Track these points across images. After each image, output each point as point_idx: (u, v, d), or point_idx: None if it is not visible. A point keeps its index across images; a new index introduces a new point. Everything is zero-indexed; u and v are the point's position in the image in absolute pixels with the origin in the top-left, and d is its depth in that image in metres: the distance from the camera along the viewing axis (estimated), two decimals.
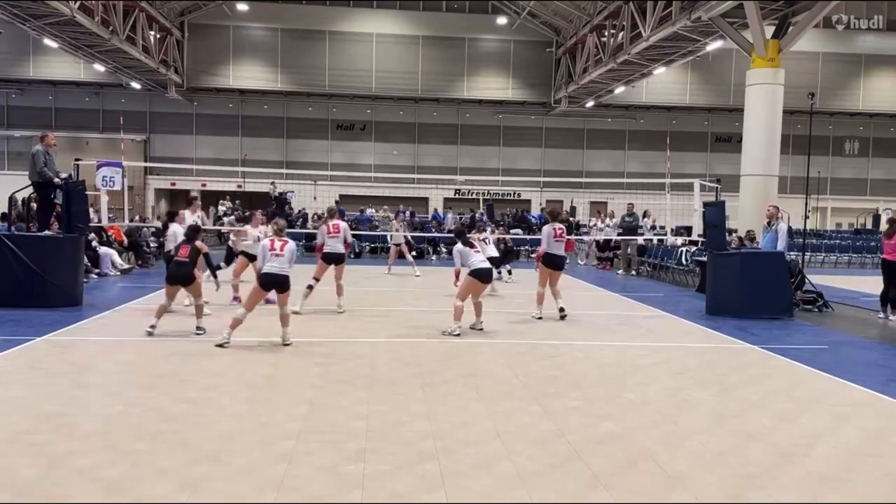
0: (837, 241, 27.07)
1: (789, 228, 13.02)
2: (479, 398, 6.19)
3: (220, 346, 7.90)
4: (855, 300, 14.06)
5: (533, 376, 7.08)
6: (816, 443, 5.24)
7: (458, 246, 9.48)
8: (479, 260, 9.31)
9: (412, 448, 4.87)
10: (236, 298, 11.04)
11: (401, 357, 7.82)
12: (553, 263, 10.62)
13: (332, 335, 9.12)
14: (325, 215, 11.91)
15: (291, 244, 8.34)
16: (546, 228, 10.75)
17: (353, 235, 22.65)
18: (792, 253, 12.39)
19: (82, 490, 4.04)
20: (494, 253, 13.49)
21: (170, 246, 10.34)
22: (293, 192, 28.74)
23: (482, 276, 9.22)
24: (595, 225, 22.87)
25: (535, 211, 34.41)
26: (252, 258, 10.95)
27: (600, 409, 5.94)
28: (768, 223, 12.89)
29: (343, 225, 11.10)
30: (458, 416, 5.63)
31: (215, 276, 9.57)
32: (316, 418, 5.49)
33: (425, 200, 32.83)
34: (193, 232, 9.16)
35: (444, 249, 22.74)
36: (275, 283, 8.13)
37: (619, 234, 19.67)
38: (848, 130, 37.74)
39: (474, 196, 33.86)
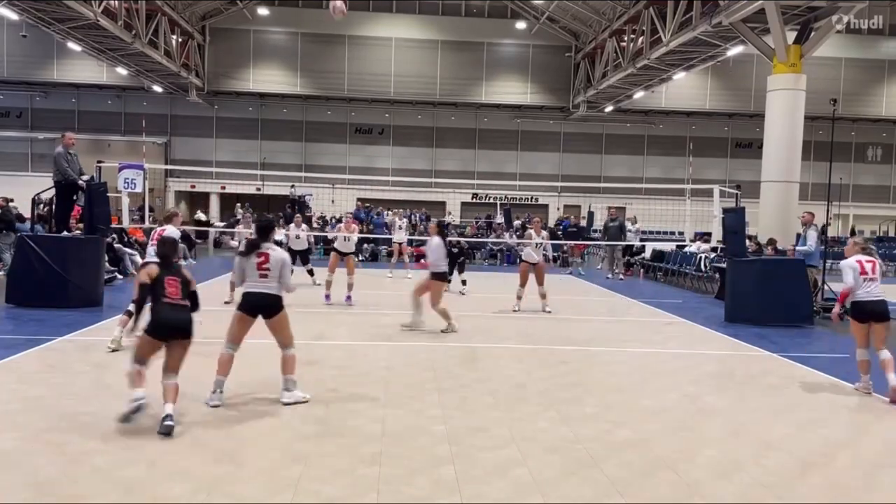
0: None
1: (820, 235, 12.85)
2: (495, 403, 6.18)
3: None
4: None
5: (549, 382, 7.05)
6: (836, 453, 5.17)
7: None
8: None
9: (427, 452, 4.87)
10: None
11: (416, 361, 7.82)
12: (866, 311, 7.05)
13: (348, 338, 9.15)
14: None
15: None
16: (849, 262, 7.09)
17: (369, 240, 22.82)
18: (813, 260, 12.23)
19: (101, 489, 4.08)
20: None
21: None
22: (311, 194, 28.89)
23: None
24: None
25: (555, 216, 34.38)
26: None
27: (617, 416, 5.90)
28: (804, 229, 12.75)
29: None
30: (474, 421, 5.62)
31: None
32: (332, 421, 5.51)
33: (443, 204, 32.80)
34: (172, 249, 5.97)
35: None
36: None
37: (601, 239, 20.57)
38: (871, 137, 37.24)
39: (492, 200, 33.81)
